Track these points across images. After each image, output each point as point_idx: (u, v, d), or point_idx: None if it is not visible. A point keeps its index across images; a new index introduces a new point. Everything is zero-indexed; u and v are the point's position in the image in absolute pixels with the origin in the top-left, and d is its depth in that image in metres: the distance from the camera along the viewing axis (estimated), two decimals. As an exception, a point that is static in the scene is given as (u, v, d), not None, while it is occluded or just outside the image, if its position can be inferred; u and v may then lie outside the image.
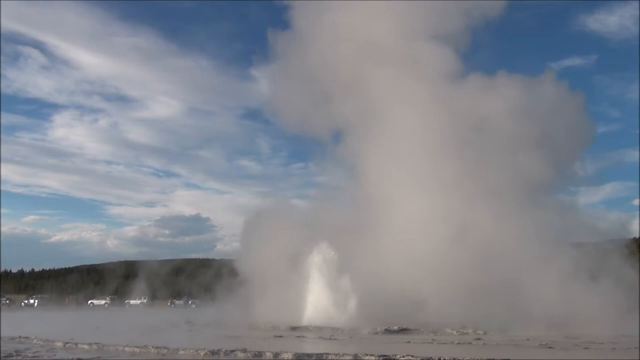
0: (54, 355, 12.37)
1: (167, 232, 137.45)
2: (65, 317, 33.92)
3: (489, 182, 23.28)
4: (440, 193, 23.45)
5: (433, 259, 21.66)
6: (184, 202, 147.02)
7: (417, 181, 24.13)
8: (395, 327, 18.05)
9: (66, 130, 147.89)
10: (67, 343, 14.24)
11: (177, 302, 65.52)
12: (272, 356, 11.59)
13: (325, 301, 21.83)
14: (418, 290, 20.89)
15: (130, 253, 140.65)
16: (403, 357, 10.87)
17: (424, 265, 21.49)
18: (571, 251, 23.02)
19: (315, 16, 27.31)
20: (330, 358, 11.12)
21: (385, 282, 21.05)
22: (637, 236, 56.72)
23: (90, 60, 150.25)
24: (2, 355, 11.96)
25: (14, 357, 11.84)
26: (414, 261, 21.64)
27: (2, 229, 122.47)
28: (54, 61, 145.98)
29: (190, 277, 66.86)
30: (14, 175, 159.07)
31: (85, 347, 13.64)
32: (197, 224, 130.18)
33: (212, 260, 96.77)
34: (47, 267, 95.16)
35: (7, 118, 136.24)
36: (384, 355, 10.93)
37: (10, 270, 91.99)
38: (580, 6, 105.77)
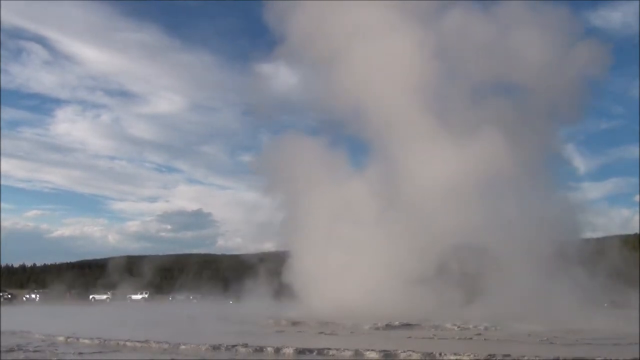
0: (56, 350, 12.39)
1: (168, 227, 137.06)
2: (66, 311, 33.99)
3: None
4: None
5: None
6: (186, 198, 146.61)
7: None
8: (397, 323, 18.08)
9: (69, 126, 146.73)
10: (68, 338, 14.25)
11: (178, 296, 65.58)
12: (273, 351, 11.60)
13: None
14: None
15: (132, 248, 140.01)
16: (404, 352, 10.86)
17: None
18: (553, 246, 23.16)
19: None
20: (331, 353, 11.12)
21: None
22: (637, 232, 56.80)
23: (93, 56, 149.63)
24: (4, 349, 11.97)
25: (16, 352, 11.85)
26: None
27: (5, 224, 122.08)
28: (56, 56, 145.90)
29: (191, 272, 66.97)
30: (16, 170, 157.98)
31: (87, 341, 13.66)
32: (198, 219, 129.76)
33: (214, 255, 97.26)
34: (48, 262, 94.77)
35: (10, 113, 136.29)
36: (385, 351, 10.92)
37: (12, 265, 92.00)
38: (584, 3, 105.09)
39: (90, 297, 64.56)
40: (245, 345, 12.01)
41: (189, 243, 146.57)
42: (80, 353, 11.59)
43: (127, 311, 34.87)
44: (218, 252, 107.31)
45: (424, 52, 25.02)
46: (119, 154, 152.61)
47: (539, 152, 25.67)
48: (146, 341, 12.87)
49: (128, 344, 12.93)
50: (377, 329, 17.52)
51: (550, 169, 27.09)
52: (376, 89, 25.53)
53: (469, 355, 10.38)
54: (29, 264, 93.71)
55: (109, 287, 68.14)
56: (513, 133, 24.14)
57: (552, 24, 25.64)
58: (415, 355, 10.64)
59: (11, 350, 12.05)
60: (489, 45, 25.19)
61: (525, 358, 9.98)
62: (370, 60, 25.52)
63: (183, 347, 12.29)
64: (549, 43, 25.41)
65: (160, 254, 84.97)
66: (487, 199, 23.89)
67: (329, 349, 11.34)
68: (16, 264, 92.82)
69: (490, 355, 10.25)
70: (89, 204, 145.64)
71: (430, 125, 24.61)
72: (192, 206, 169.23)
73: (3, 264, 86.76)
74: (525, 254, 22.12)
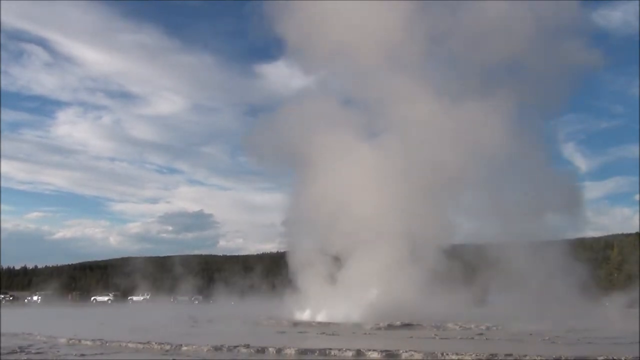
0: (58, 351, 12.39)
1: (170, 228, 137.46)
2: (68, 313, 34.01)
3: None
4: None
5: None
6: (187, 199, 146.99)
7: None
8: (398, 323, 18.09)
9: (70, 127, 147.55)
10: (70, 339, 14.26)
11: (180, 298, 65.60)
12: (275, 352, 11.60)
13: None
14: None
15: (133, 249, 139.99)
16: (406, 352, 10.85)
17: None
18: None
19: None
20: (333, 354, 11.12)
21: None
22: (638, 231, 56.81)
23: (94, 57, 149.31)
24: (6, 351, 11.97)
25: (18, 354, 11.85)
26: None
27: (6, 225, 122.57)
28: (57, 58, 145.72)
29: (193, 274, 66.91)
30: (17, 172, 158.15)
31: (89, 343, 13.66)
32: (200, 220, 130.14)
33: (215, 256, 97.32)
34: (50, 264, 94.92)
35: (11, 115, 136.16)
36: (387, 351, 10.92)
37: (14, 267, 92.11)
38: (583, 3, 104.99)
39: (92, 298, 64.59)
40: (247, 346, 12.01)
41: (190, 244, 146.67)
42: (82, 355, 11.59)
43: (129, 312, 34.89)
44: (219, 253, 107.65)
45: (418, 33, 24.94)
46: (119, 156, 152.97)
47: (535, 136, 25.75)
48: (148, 342, 12.88)
49: (130, 345, 12.94)
50: (379, 329, 17.54)
51: (547, 158, 27.06)
52: (376, 78, 25.57)
53: (471, 354, 10.38)
54: (30, 265, 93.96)
55: (111, 288, 68.29)
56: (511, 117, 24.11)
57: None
58: (417, 355, 10.64)
59: (13, 352, 12.05)
60: (486, 24, 25.02)
61: (527, 357, 9.98)
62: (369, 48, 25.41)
63: (185, 348, 12.30)
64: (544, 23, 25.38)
65: (162, 255, 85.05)
66: (485, 191, 23.94)
67: (331, 349, 11.33)
68: (18, 266, 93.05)
69: (492, 354, 10.25)
70: (90, 206, 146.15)
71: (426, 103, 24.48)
72: (193, 207, 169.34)
73: (4, 266, 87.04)
74: (525, 252, 22.10)
